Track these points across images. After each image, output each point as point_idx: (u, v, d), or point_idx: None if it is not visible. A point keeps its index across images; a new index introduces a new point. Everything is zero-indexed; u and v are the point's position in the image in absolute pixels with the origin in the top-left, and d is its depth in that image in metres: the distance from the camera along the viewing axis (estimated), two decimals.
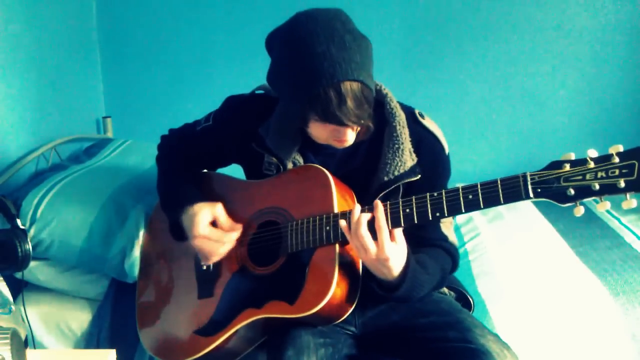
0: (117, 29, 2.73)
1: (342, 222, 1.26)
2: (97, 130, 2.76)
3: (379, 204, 1.24)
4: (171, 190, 1.55)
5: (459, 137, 2.74)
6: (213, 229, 1.43)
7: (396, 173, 1.37)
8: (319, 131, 1.30)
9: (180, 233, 1.51)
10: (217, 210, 1.45)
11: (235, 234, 1.43)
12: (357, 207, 1.26)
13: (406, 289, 1.28)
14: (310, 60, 1.19)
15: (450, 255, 1.45)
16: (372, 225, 1.23)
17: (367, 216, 1.24)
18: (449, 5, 2.63)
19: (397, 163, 1.37)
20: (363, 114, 1.23)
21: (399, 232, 1.25)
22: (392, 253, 1.22)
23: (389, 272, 1.25)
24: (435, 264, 1.39)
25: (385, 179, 1.38)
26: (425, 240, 1.43)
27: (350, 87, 1.19)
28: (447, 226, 1.46)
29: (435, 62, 2.70)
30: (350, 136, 1.29)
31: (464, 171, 2.61)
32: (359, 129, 1.31)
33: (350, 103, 1.20)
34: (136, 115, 2.83)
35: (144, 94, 2.81)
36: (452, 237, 1.47)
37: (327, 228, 1.31)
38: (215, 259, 1.44)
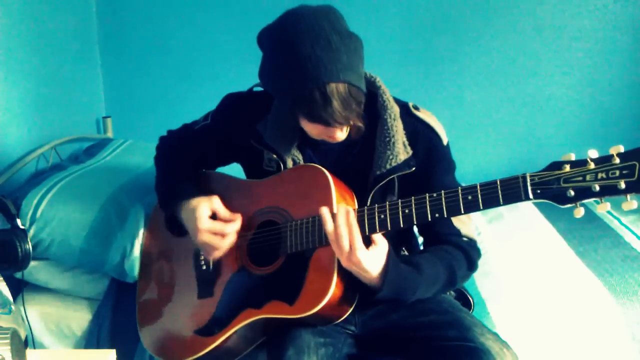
0: (117, 28, 2.73)
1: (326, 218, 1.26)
2: (97, 130, 2.76)
3: (343, 209, 1.24)
4: (169, 186, 1.55)
5: (458, 137, 2.70)
6: (215, 222, 1.41)
7: (388, 166, 1.36)
8: (309, 128, 1.31)
9: (177, 226, 1.51)
10: (215, 203, 1.44)
11: (237, 225, 1.42)
12: (324, 209, 1.26)
13: (390, 291, 1.27)
14: (295, 62, 1.18)
15: (462, 251, 1.41)
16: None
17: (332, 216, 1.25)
18: (448, 5, 2.63)
19: (389, 156, 1.36)
20: (351, 114, 1.23)
21: (378, 236, 1.25)
22: (364, 256, 1.22)
23: (368, 275, 1.25)
24: (439, 263, 1.36)
25: (378, 172, 1.37)
26: (436, 236, 1.41)
27: (336, 88, 1.18)
28: (462, 219, 1.42)
29: (434, 62, 2.70)
30: (339, 135, 1.29)
31: (463, 171, 2.59)
32: (349, 127, 1.31)
33: (336, 104, 1.19)
34: (136, 115, 2.83)
35: (144, 94, 2.81)
36: (467, 230, 1.43)
37: None
38: (219, 253, 1.42)
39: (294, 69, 1.19)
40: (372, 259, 1.24)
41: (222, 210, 1.44)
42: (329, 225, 1.24)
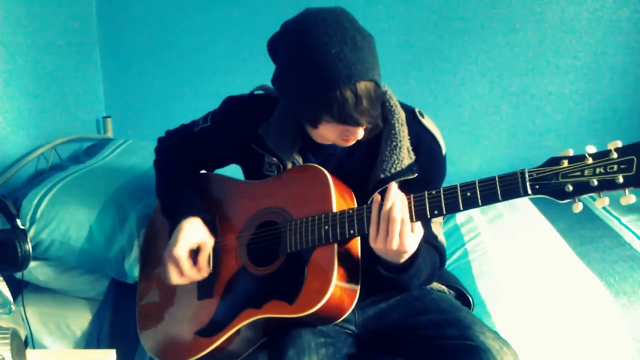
0: (117, 29, 2.73)
1: (379, 197, 1.24)
2: (97, 130, 2.76)
3: (403, 196, 1.23)
4: (171, 195, 1.55)
5: (458, 136, 2.74)
6: (187, 260, 1.42)
7: (392, 171, 1.37)
8: (328, 132, 1.30)
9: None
10: (208, 241, 1.45)
11: (199, 276, 1.44)
12: (394, 185, 1.23)
13: (409, 276, 1.31)
14: (325, 61, 1.18)
15: (439, 253, 1.47)
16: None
17: (402, 201, 1.22)
18: (448, 5, 2.63)
19: (394, 160, 1.37)
20: (376, 113, 1.25)
21: (418, 225, 1.24)
22: (412, 246, 1.22)
23: (398, 260, 1.26)
24: (429, 259, 1.41)
25: (382, 176, 1.37)
26: None
27: (365, 87, 1.20)
28: (437, 226, 1.48)
29: (434, 61, 2.70)
30: (360, 135, 1.29)
31: (463, 170, 2.62)
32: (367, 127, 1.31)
33: (365, 103, 1.20)
34: (136, 115, 2.83)
35: (144, 94, 2.81)
36: (441, 237, 1.49)
37: (326, 227, 1.30)
38: (168, 282, 1.44)
39: (323, 68, 1.18)
40: (414, 248, 1.24)
41: (206, 254, 1.45)
42: (389, 202, 1.21)
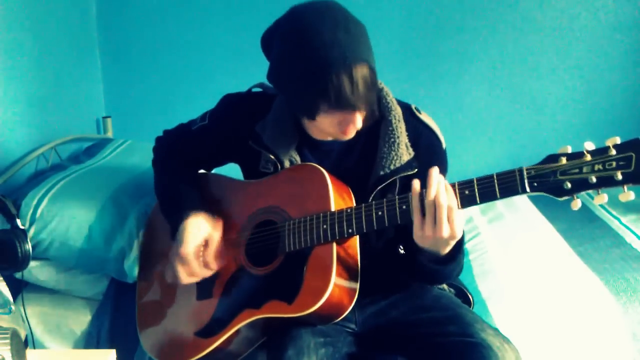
0: (117, 29, 2.73)
1: (416, 183, 1.21)
2: (97, 130, 2.76)
3: (446, 182, 1.20)
4: (171, 193, 1.54)
5: (458, 136, 2.73)
6: (195, 259, 1.40)
7: (392, 167, 1.37)
8: (326, 123, 1.29)
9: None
10: (214, 235, 1.43)
11: (209, 272, 1.42)
12: (435, 170, 1.19)
13: (453, 267, 1.30)
14: (320, 47, 1.19)
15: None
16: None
17: (445, 186, 1.18)
18: (449, 5, 2.63)
19: (393, 157, 1.37)
20: (372, 98, 1.25)
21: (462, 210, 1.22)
22: (461, 231, 1.19)
23: (444, 249, 1.23)
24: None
25: (382, 173, 1.37)
26: None
27: (360, 70, 1.20)
28: None
29: (434, 62, 2.71)
30: (359, 122, 1.28)
31: (463, 170, 2.60)
32: (364, 114, 1.30)
33: (361, 86, 1.20)
34: (136, 115, 2.83)
35: (144, 94, 2.81)
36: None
37: (325, 226, 1.30)
38: (186, 279, 1.42)
39: (318, 54, 1.19)
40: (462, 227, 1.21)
41: (214, 246, 1.42)
42: (432, 190, 1.18)
